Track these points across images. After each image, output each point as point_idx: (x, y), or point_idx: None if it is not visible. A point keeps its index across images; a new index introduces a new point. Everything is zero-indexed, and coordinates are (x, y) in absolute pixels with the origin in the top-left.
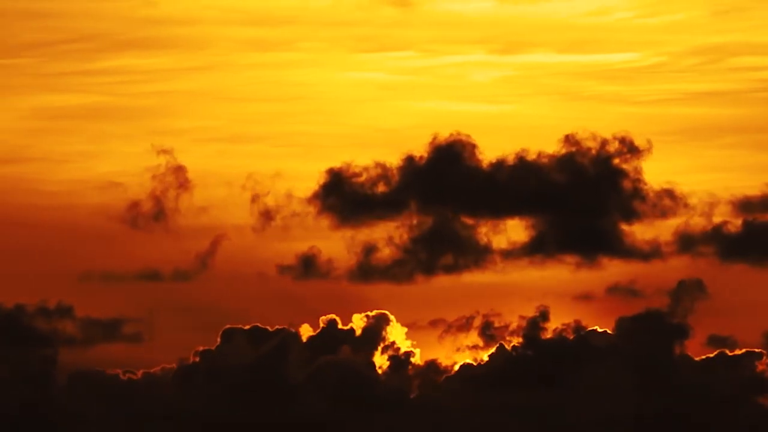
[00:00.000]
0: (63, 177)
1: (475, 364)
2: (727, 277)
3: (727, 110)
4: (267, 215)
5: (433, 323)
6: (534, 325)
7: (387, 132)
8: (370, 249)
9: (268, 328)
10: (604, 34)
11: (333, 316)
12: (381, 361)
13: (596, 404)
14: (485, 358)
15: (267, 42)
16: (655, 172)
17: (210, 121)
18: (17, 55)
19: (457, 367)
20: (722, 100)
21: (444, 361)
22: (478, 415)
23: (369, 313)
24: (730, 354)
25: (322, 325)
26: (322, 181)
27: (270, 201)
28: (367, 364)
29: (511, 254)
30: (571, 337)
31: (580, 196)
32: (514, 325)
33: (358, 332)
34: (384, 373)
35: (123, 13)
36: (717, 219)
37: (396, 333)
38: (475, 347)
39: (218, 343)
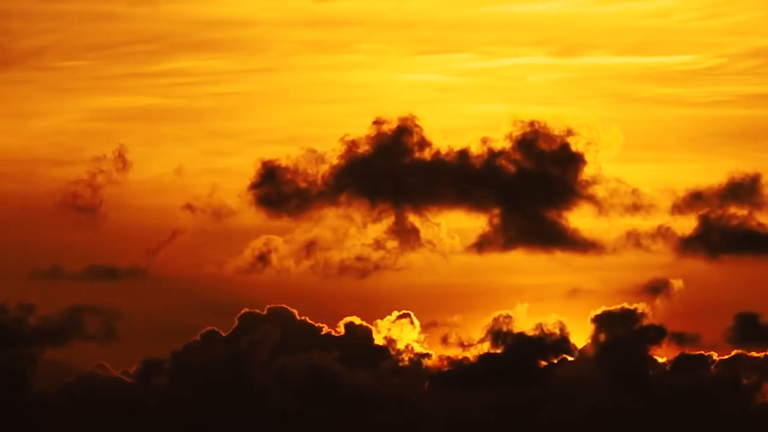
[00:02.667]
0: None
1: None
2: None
3: None
4: None
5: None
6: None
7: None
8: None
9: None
10: (663, 36)
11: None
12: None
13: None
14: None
15: (326, 43)
16: (712, 173)
17: (268, 123)
18: (77, 57)
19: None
20: None
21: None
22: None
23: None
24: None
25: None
26: None
27: None
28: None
29: None
30: (536, 335)
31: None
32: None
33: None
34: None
35: (182, 16)
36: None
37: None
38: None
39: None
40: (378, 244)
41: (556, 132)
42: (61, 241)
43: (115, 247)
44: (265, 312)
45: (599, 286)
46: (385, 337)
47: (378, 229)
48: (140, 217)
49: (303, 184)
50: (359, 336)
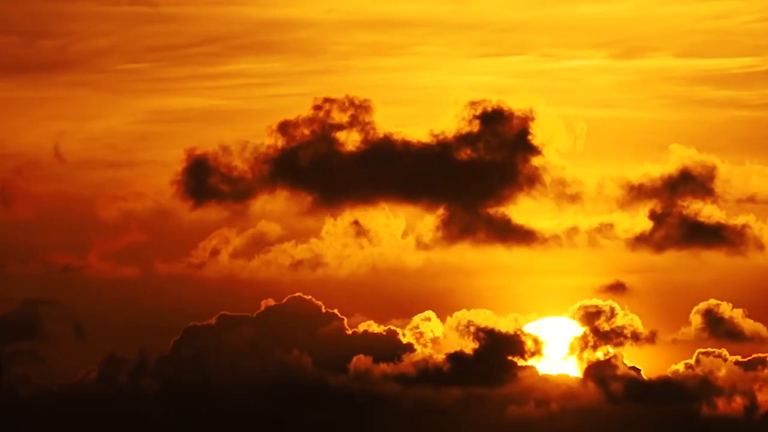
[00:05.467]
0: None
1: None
2: None
3: None
4: None
5: None
6: None
7: None
8: None
9: None
10: (724, 37)
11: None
12: None
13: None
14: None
15: (385, 45)
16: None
17: None
18: (136, 60)
19: None
20: None
21: None
22: None
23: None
24: None
25: None
26: None
27: None
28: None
29: None
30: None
31: None
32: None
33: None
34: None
35: (241, 18)
36: None
37: None
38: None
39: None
40: None
41: None
42: None
43: None
44: None
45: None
46: None
47: None
48: None
49: None
50: None
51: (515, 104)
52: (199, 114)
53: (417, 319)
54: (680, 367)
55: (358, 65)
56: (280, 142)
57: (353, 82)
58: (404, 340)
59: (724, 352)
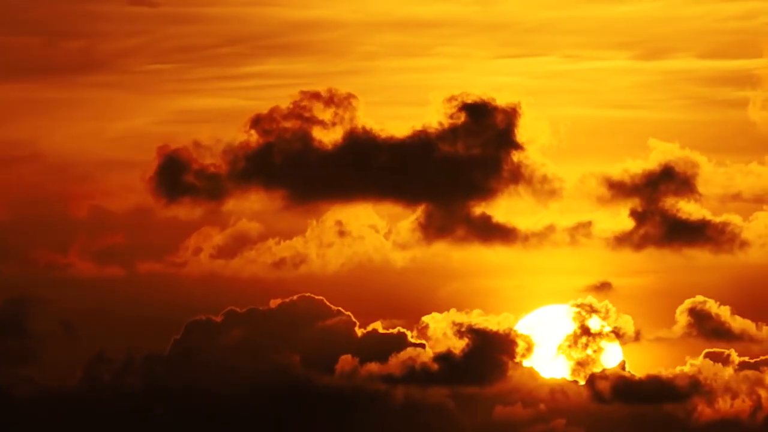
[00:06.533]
0: None
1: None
2: None
3: None
4: None
5: None
6: None
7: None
8: None
9: None
10: (748, 38)
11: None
12: None
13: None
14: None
15: (409, 46)
16: None
17: None
18: (162, 60)
19: None
20: None
21: None
22: None
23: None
24: None
25: None
26: None
27: None
28: None
29: None
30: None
31: None
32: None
33: None
34: None
35: (267, 18)
36: None
37: None
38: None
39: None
40: None
41: None
42: None
43: None
44: None
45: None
46: None
47: None
48: None
49: None
50: None
51: (501, 100)
52: (225, 115)
53: (427, 319)
54: (686, 367)
55: (383, 66)
56: (254, 138)
57: (378, 83)
58: (415, 341)
59: (733, 353)
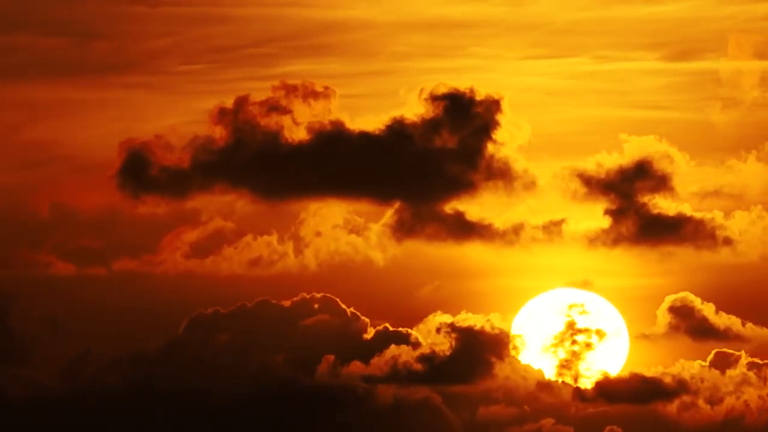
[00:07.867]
0: None
1: None
2: None
3: None
4: None
5: None
6: None
7: (549, 137)
8: None
9: None
10: None
11: None
12: None
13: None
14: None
15: (439, 47)
16: None
17: None
18: (193, 61)
19: None
20: None
21: None
22: None
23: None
24: None
25: None
26: None
27: None
28: None
29: None
30: None
31: None
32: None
33: None
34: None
35: (299, 19)
36: None
37: None
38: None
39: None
40: None
41: None
42: None
43: None
44: None
45: None
46: None
47: None
48: None
49: None
50: None
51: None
52: None
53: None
54: (695, 366)
55: (413, 66)
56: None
57: (407, 84)
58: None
59: (742, 353)
